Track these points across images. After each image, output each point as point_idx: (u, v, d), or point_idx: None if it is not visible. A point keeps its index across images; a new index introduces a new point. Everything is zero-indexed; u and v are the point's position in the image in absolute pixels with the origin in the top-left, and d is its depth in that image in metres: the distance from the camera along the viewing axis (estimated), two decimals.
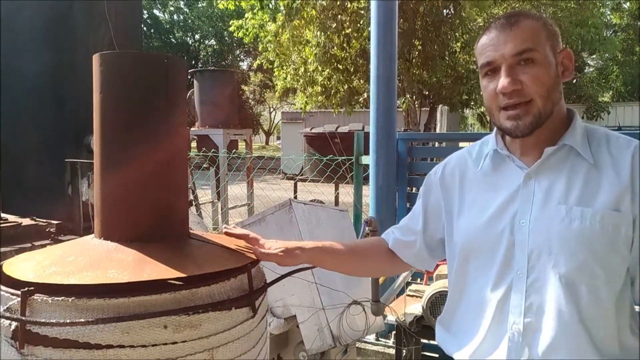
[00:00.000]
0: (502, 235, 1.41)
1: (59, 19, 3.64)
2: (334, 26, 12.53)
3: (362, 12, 12.52)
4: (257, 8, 13.07)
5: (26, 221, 2.40)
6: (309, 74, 13.84)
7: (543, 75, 1.34)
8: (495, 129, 1.53)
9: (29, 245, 2.12)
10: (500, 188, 1.47)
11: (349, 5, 12.59)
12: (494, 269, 1.42)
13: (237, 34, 13.66)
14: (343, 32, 12.95)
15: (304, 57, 13.35)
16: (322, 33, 12.65)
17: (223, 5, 13.22)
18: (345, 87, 14.49)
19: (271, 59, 13.95)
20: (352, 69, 14.11)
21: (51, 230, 2.35)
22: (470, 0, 12.31)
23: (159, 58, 1.37)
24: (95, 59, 1.34)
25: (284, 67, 14.43)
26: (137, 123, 1.32)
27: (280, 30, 13.06)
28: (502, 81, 1.35)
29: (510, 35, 1.36)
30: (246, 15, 13.52)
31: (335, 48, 13.14)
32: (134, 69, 1.33)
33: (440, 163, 1.71)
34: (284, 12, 12.91)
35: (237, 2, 12.81)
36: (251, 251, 1.50)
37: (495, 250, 1.42)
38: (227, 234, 1.58)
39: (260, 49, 13.61)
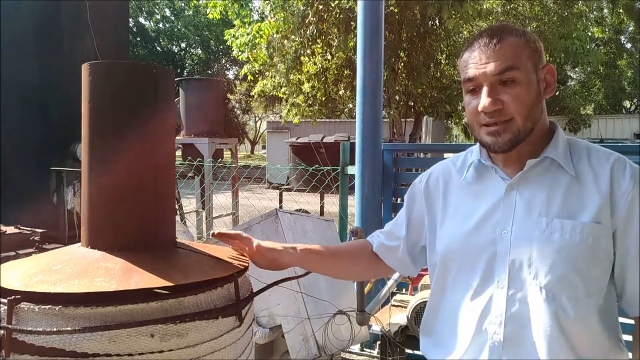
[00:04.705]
0: (484, 246, 1.43)
1: (45, 26, 3.62)
2: (308, 32, 12.53)
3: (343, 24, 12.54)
4: (245, 18, 13.10)
5: (10, 229, 2.38)
6: (293, 83, 13.86)
7: (524, 94, 1.35)
8: None
9: (13, 253, 2.11)
10: (483, 198, 1.48)
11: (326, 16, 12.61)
12: (475, 278, 1.43)
13: (230, 43, 13.61)
14: (324, 40, 12.97)
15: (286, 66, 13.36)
16: (296, 35, 12.65)
17: (213, 15, 13.24)
18: (329, 97, 14.53)
19: (253, 68, 13.92)
20: (335, 78, 14.15)
21: (35, 238, 2.34)
22: (455, 14, 12.40)
23: (148, 68, 1.37)
24: (85, 68, 1.34)
25: (267, 74, 14.43)
26: (125, 132, 1.33)
27: (258, 37, 13.05)
28: (484, 101, 1.36)
29: (492, 54, 1.36)
30: (235, 23, 13.52)
31: (312, 56, 13.16)
32: (123, 79, 1.34)
33: (425, 172, 1.73)
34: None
35: (222, 11, 12.82)
36: (242, 257, 1.51)
37: (477, 260, 1.43)
38: (217, 235, 1.58)
39: (245, 57, 13.53)
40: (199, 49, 40.94)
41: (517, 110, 1.35)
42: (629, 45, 28.42)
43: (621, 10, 22.18)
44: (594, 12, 21.89)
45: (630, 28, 26.53)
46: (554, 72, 1.44)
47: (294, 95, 14.38)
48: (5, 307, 1.11)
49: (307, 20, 12.47)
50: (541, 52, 1.42)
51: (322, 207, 8.23)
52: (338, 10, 12.40)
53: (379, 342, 3.35)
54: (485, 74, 1.36)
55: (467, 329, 1.44)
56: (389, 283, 3.68)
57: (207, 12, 13.93)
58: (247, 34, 13.06)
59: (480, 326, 1.41)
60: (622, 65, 28.79)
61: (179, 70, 36.83)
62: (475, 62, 1.39)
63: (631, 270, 1.34)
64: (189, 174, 8.68)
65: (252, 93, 16.39)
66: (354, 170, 4.23)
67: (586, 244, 1.31)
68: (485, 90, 1.37)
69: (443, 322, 1.55)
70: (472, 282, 1.44)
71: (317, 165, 5.05)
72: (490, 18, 15.75)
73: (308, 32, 12.49)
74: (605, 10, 23.92)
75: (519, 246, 1.37)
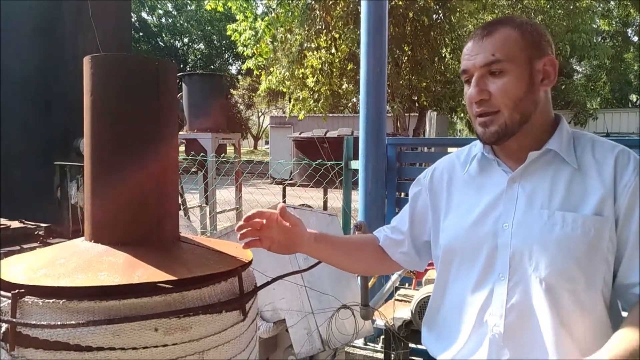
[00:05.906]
0: (486, 238, 1.43)
1: (48, 21, 3.63)
2: (315, 26, 12.52)
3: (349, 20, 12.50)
4: (247, 11, 13.05)
5: (15, 224, 2.38)
6: (297, 78, 13.84)
7: (512, 86, 1.35)
8: None
9: (18, 248, 2.11)
10: (485, 191, 1.49)
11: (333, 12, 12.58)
12: (476, 270, 1.44)
13: (234, 37, 13.57)
14: (329, 35, 12.93)
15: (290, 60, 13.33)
16: (301, 29, 12.63)
17: (211, 6, 13.19)
18: (334, 91, 14.51)
19: (258, 63, 13.87)
20: (339, 73, 14.11)
21: (40, 233, 2.34)
22: (460, 7, 12.37)
23: (149, 61, 1.37)
24: (86, 61, 1.34)
25: (272, 70, 14.40)
26: (127, 126, 1.33)
27: (264, 31, 13.01)
28: (470, 91, 1.40)
29: (482, 46, 1.38)
30: (238, 17, 13.48)
31: (316, 50, 13.13)
32: (125, 72, 1.33)
33: (430, 167, 1.73)
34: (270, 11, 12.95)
35: (224, 4, 12.79)
36: (245, 251, 1.51)
37: (478, 253, 1.44)
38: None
39: (250, 52, 13.48)
40: (201, 44, 40.98)
41: (503, 102, 1.36)
42: (635, 38, 28.23)
43: (628, 3, 21.99)
44: (601, 5, 21.72)
45: (638, 20, 26.35)
46: (554, 63, 1.42)
47: (298, 90, 14.36)
48: (10, 301, 1.11)
49: (313, 14, 12.45)
50: (540, 43, 1.40)
51: (325, 202, 8.22)
52: (343, 3, 12.37)
53: (382, 337, 3.35)
54: (474, 65, 1.39)
55: (468, 321, 1.45)
56: (393, 277, 3.68)
57: (205, 3, 13.80)
58: (251, 29, 13.02)
59: (481, 318, 1.42)
60: (628, 58, 28.55)
61: (181, 65, 36.86)
62: (469, 53, 1.42)
63: (626, 261, 1.33)
64: (193, 169, 8.69)
65: (259, 92, 16.37)
66: (357, 165, 4.22)
67: (588, 237, 1.31)
68: (473, 80, 1.40)
69: (445, 315, 1.55)
70: (473, 275, 1.45)
71: (320, 160, 5.04)
72: (496, 11, 15.68)
73: (314, 26, 12.47)
74: (612, 3, 23.72)
75: (520, 238, 1.37)
